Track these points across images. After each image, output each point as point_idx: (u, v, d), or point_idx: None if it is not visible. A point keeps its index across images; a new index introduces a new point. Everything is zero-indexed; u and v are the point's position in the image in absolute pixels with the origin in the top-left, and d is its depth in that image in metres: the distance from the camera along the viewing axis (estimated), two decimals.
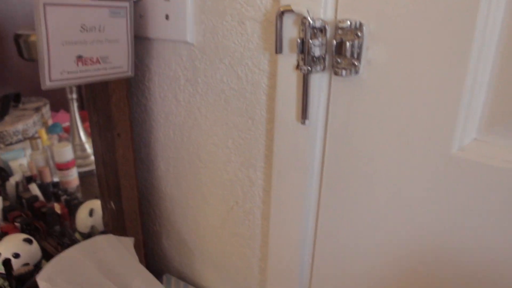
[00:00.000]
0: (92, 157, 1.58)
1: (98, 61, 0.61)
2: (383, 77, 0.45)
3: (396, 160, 0.47)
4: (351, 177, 0.51)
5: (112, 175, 0.71)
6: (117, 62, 0.63)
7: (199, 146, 0.70)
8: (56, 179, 1.29)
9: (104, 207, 0.76)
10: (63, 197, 1.16)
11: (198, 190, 0.74)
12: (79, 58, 0.58)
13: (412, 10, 0.41)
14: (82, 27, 0.57)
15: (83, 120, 1.51)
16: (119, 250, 0.71)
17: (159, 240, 0.87)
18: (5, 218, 1.09)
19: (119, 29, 0.62)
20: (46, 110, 1.71)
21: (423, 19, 0.41)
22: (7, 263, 0.73)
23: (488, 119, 0.42)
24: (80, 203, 1.08)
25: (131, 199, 0.73)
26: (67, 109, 1.69)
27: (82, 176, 1.39)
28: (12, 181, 1.25)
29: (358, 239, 0.53)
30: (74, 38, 0.57)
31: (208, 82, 0.64)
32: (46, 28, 0.53)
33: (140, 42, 0.71)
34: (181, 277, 0.85)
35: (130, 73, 0.66)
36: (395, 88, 0.44)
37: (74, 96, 1.58)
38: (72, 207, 1.08)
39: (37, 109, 1.68)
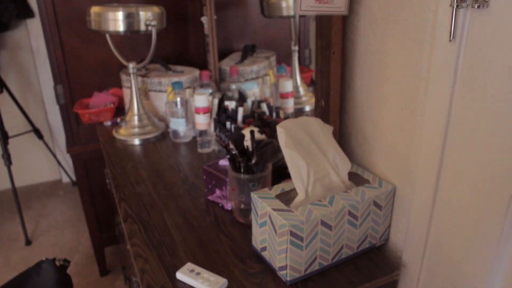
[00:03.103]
0: (303, 98, 2.03)
1: (327, 2, 0.98)
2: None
3: None
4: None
5: (325, 80, 1.09)
6: (338, 3, 1.00)
7: (386, 67, 1.03)
8: (277, 105, 1.74)
9: (316, 105, 1.15)
10: (283, 116, 1.60)
11: (381, 99, 1.07)
12: None
13: None
14: None
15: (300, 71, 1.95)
16: (323, 129, 1.08)
17: (348, 139, 1.22)
18: (243, 122, 1.57)
19: None
20: (273, 59, 2.17)
21: None
22: (252, 133, 1.17)
23: None
24: None
25: (336, 99, 1.10)
26: (288, 62, 2.15)
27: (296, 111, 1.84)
28: (249, 101, 1.73)
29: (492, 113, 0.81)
30: None
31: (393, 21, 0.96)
32: None
33: None
34: (360, 166, 1.20)
35: (345, 13, 1.02)
36: None
37: (296, 48, 2.03)
38: None
39: (267, 58, 2.15)
